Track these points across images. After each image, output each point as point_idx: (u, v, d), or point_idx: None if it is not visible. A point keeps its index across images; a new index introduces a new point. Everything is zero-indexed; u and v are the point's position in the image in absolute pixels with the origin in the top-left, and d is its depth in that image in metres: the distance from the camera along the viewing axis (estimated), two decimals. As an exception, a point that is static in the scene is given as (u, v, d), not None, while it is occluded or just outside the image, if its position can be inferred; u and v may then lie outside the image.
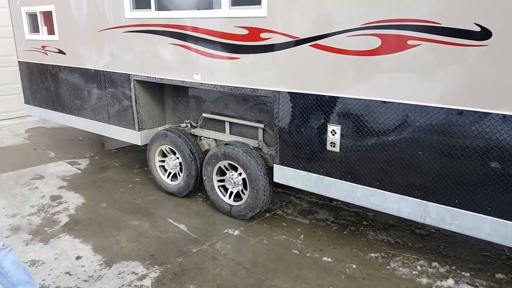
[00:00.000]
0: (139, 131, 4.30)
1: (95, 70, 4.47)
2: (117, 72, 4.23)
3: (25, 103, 5.88)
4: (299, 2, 2.74)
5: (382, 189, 2.70)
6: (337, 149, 2.85)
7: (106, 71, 4.35)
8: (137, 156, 5.53)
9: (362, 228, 3.55)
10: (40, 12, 4.99)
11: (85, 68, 4.60)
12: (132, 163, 5.26)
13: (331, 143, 2.87)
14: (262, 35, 3.00)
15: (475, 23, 2.09)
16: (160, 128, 4.47)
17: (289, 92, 2.99)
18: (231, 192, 3.72)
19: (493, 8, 2.04)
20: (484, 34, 2.08)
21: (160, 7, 3.60)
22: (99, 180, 4.66)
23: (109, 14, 4.07)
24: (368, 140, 2.69)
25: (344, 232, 3.48)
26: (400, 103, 2.48)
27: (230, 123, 4.03)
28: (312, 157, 3.01)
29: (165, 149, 4.19)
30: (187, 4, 3.40)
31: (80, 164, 5.23)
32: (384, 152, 2.63)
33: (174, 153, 4.14)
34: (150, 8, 3.65)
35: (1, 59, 7.22)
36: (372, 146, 2.68)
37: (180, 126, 4.38)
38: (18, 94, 7.33)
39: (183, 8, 3.43)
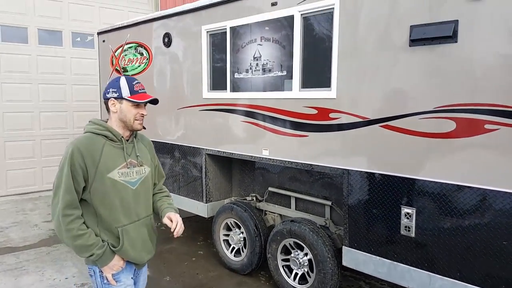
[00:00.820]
0: (206, 203, 4.53)
1: (171, 143, 4.92)
2: (191, 146, 4.61)
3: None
4: (369, 84, 2.91)
5: (463, 281, 2.53)
6: (412, 233, 2.78)
7: (181, 144, 4.77)
8: (201, 227, 5.73)
9: (443, 324, 3.27)
10: (126, 91, 5.72)
11: (162, 142, 5.07)
12: (196, 235, 5.45)
13: (406, 227, 2.81)
14: (331, 115, 3.17)
15: (559, 109, 2.08)
16: (226, 201, 4.67)
17: (359, 171, 3.05)
18: (296, 274, 3.68)
19: None
20: None
21: (235, 88, 3.99)
22: (164, 252, 4.87)
23: (188, 94, 4.57)
24: (446, 225, 2.60)
25: (422, 327, 3.22)
26: (478, 187, 2.42)
27: (296, 198, 4.11)
28: (385, 241, 2.95)
29: (230, 222, 4.34)
30: (260, 86, 3.74)
31: (148, 233, 5.52)
32: (464, 240, 2.52)
33: (239, 227, 4.26)
34: (226, 89, 4.06)
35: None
36: (451, 232, 2.58)
37: (245, 199, 4.55)
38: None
39: (256, 90, 3.78)
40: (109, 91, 2.03)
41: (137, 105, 2.02)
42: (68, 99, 7.99)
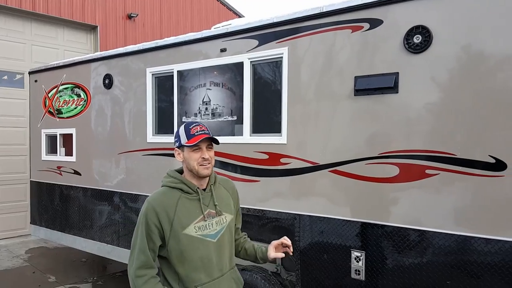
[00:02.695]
0: (149, 254, 4.34)
1: (110, 191, 4.73)
2: (132, 193, 4.47)
3: (31, 223, 6.04)
4: (317, 131, 3.09)
5: (415, 323, 2.66)
6: (362, 277, 2.89)
7: (121, 192, 4.61)
8: (142, 281, 5.43)
9: None
10: (60, 134, 5.48)
11: (99, 189, 4.86)
12: (137, 289, 5.15)
13: (356, 270, 2.91)
14: (282, 160, 3.29)
15: (489, 155, 2.36)
16: (171, 251, 4.51)
17: (309, 216, 3.15)
18: (248, 325, 3.61)
19: (506, 141, 2.33)
20: (499, 165, 2.33)
21: (182, 133, 4.00)
22: (101, 309, 4.55)
23: (131, 139, 4.50)
24: (394, 267, 2.74)
25: None
26: (422, 230, 2.61)
27: (246, 245, 4.09)
28: (336, 285, 3.02)
29: (176, 274, 4.18)
30: (209, 131, 3.79)
31: (82, 290, 5.15)
32: (411, 281, 2.66)
33: (186, 279, 4.11)
34: (173, 134, 4.06)
35: (11, 177, 7.59)
36: (399, 274, 2.72)
37: (192, 249, 4.43)
38: (21, 212, 7.57)
39: (204, 134, 3.82)
40: (174, 142, 1.98)
41: (196, 149, 1.90)
42: (-9, 142, 7.44)
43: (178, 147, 1.95)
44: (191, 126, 1.92)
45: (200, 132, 1.90)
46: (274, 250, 2.12)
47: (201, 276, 1.90)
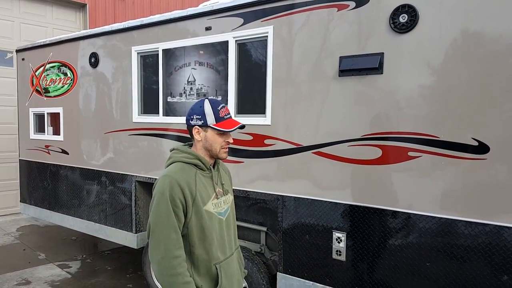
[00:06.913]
0: (136, 233, 4.27)
1: (97, 170, 4.61)
2: (119, 173, 4.35)
3: (20, 201, 5.91)
4: (301, 112, 2.97)
5: (394, 303, 2.61)
6: (343, 257, 2.83)
7: (108, 171, 4.49)
8: (131, 258, 5.39)
9: None
10: (48, 113, 5.31)
11: (87, 168, 4.74)
12: (126, 266, 5.11)
13: (337, 251, 2.85)
14: (266, 141, 3.18)
15: (472, 138, 2.26)
16: (158, 230, 4.43)
17: (292, 197, 3.06)
18: (232, 303, 3.56)
19: (489, 124, 2.23)
20: (482, 148, 2.23)
21: (168, 112, 3.86)
22: (89, 287, 4.48)
23: (117, 118, 4.35)
24: (374, 248, 2.68)
25: None
26: (402, 212, 2.54)
27: (232, 225, 4.02)
28: (317, 265, 2.96)
29: (163, 252, 4.11)
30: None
31: (71, 267, 5.07)
32: (391, 262, 2.61)
33: (172, 257, 4.05)
34: (158, 113, 3.91)
35: (2, 155, 7.42)
36: (379, 255, 2.66)
37: (179, 228, 4.35)
38: (13, 190, 7.43)
39: (189, 115, 3.68)
40: (193, 118, 1.88)
41: (223, 133, 1.88)
42: (-19, 121, 7.22)
43: (200, 126, 1.87)
44: (219, 108, 1.87)
45: (228, 116, 1.89)
46: None
47: (219, 254, 1.89)
